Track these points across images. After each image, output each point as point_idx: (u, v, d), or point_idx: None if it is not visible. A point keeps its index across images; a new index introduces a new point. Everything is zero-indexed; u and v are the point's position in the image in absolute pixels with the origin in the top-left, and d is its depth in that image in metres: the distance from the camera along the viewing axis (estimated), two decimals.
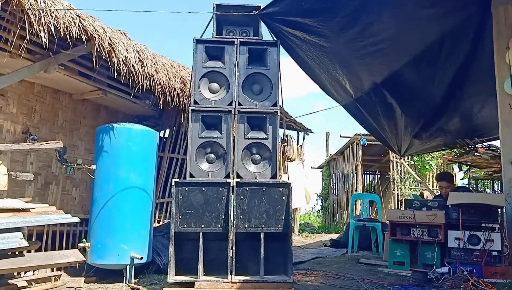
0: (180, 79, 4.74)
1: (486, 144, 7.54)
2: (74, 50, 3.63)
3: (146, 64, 4.10)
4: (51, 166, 4.15)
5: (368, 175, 14.90)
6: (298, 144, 11.35)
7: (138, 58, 4.03)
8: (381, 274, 4.49)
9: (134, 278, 4.01)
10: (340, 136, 11.13)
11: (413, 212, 4.64)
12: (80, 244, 3.99)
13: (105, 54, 3.65)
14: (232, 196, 3.62)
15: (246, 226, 3.62)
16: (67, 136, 4.48)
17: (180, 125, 5.55)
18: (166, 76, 4.44)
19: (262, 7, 3.95)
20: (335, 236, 9.92)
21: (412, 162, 10.50)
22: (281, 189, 3.67)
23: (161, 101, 4.54)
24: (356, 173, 10.79)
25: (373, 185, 14.93)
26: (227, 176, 3.78)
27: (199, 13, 3.78)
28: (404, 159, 9.47)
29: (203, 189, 3.64)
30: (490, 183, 8.37)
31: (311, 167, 15.33)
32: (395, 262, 4.74)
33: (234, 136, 3.84)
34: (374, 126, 7.47)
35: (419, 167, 10.55)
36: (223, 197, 3.63)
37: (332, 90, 6.35)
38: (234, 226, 3.59)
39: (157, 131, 4.73)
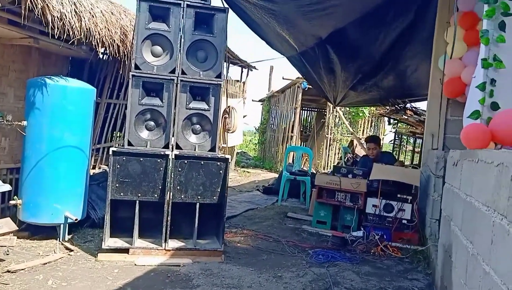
0: (120, 29, 4.45)
1: (413, 105, 8.09)
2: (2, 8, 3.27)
3: (84, 17, 3.80)
4: None
5: (305, 111, 15.38)
6: (241, 81, 11.32)
7: (75, 10, 3.71)
8: (305, 233, 4.94)
9: (68, 234, 4.07)
10: (283, 78, 11.22)
11: (340, 179, 5.02)
12: (11, 202, 3.92)
13: (38, 11, 3.33)
14: (170, 167, 3.69)
15: (182, 196, 3.75)
16: None
17: (118, 73, 5.32)
18: (105, 27, 4.16)
19: None
20: (268, 175, 10.44)
21: (348, 108, 10.97)
22: (219, 163, 3.79)
23: (100, 52, 4.30)
24: (294, 114, 11.10)
25: (309, 120, 15.50)
26: (166, 146, 3.81)
27: None
28: (339, 108, 9.88)
29: (141, 159, 3.66)
30: (412, 141, 9.07)
31: (252, 100, 15.49)
32: (318, 221, 5.20)
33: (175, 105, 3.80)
34: (314, 77, 7.68)
35: (354, 113, 11.07)
36: (161, 168, 3.70)
37: (278, 44, 6.35)
38: (171, 196, 3.70)
39: (93, 84, 4.54)
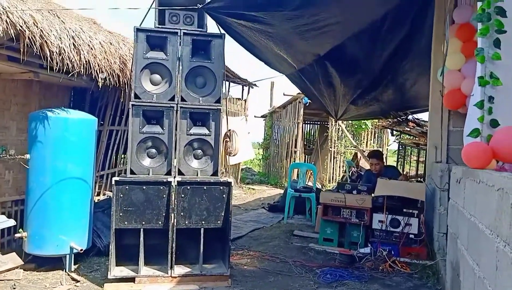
0: (119, 58, 4.51)
1: (415, 116, 8.08)
2: (2, 46, 3.33)
3: (82, 50, 3.85)
4: None
5: (308, 125, 15.38)
6: (242, 99, 11.38)
7: (73, 44, 3.76)
8: (312, 252, 4.90)
9: (74, 264, 4.06)
10: (284, 94, 11.28)
11: (344, 196, 4.99)
12: (17, 235, 3.93)
13: (37, 47, 3.38)
14: (173, 194, 3.69)
15: (186, 222, 3.75)
16: None
17: (119, 101, 5.38)
18: (104, 58, 4.21)
19: (207, 1, 3.79)
20: (273, 191, 10.42)
21: (350, 122, 10.97)
22: (222, 188, 3.79)
23: (100, 82, 4.35)
24: (297, 129, 11.10)
25: (312, 133, 15.49)
26: (169, 173, 3.82)
27: (140, 9, 3.56)
28: (341, 122, 9.88)
29: (144, 187, 3.67)
30: (416, 151, 9.05)
31: (255, 116, 15.53)
32: (325, 239, 5.17)
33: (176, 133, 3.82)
34: (314, 93, 7.70)
35: (356, 126, 11.07)
36: (164, 196, 3.70)
37: (276, 64, 6.39)
38: (175, 223, 3.70)
39: (95, 112, 4.58)
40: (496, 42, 2.39)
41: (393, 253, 4.59)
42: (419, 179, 8.05)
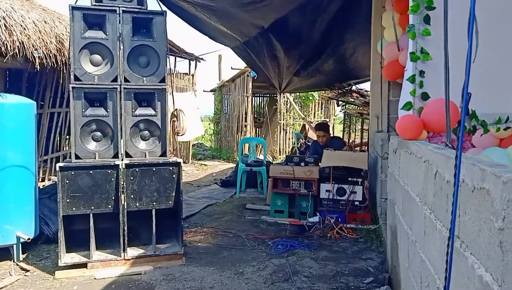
0: (56, 38, 4.29)
1: (359, 87, 8.36)
2: None
3: (14, 31, 3.63)
4: None
5: (257, 98, 15.45)
6: (189, 74, 11.21)
7: (5, 25, 3.54)
8: (264, 225, 5.05)
9: (22, 253, 3.95)
10: (232, 68, 11.22)
11: (293, 169, 5.15)
12: None
13: None
14: (122, 177, 3.65)
15: (137, 204, 3.73)
16: None
17: (59, 82, 5.15)
18: (39, 37, 4.00)
19: None
20: (226, 166, 10.49)
21: (298, 94, 11.15)
22: (171, 168, 3.79)
23: (37, 63, 4.14)
24: (246, 103, 11.14)
25: (261, 106, 15.59)
26: (116, 156, 3.76)
27: None
28: (289, 94, 10.03)
29: (91, 172, 3.60)
30: (361, 120, 9.40)
31: (204, 91, 15.37)
32: (276, 211, 5.34)
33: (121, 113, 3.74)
34: (260, 65, 7.78)
35: (304, 98, 11.27)
36: (112, 179, 3.65)
37: (221, 37, 6.35)
38: (126, 205, 3.68)
39: (33, 95, 4.38)
40: (426, 18, 2.52)
41: (340, 220, 4.84)
42: (362, 148, 8.41)
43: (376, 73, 5.06)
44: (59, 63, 4.47)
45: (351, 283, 3.33)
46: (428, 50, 2.58)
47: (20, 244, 3.87)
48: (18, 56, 3.97)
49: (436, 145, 1.90)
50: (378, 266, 3.68)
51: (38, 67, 4.26)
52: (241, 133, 11.21)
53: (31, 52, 3.98)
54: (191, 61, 11.11)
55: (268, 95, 15.01)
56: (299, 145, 8.30)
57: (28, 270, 3.67)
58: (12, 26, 3.62)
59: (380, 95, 4.99)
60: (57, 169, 3.52)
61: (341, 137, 9.32)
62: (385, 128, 5.02)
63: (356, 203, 4.93)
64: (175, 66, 9.81)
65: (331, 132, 7.73)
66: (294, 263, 3.76)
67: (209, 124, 15.41)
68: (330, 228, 4.68)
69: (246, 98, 11.03)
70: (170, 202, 3.81)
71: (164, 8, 4.08)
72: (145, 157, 3.81)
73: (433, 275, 1.59)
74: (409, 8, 2.62)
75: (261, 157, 7.98)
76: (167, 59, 3.91)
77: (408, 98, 2.64)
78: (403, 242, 2.49)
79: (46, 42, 4.09)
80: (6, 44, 3.55)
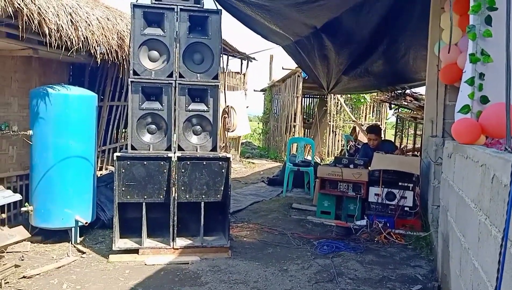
0: (117, 34, 4.51)
1: (413, 90, 8.11)
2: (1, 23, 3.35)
3: (80, 27, 3.87)
4: None
5: (307, 99, 15.37)
6: (241, 73, 11.35)
7: (71, 20, 3.77)
8: (310, 225, 5.04)
9: (80, 236, 4.20)
10: (283, 68, 11.24)
11: (341, 170, 5.09)
12: (23, 209, 4.06)
13: (35, 25, 3.40)
14: (174, 169, 3.79)
15: (187, 196, 3.86)
16: None
17: (118, 76, 5.41)
18: (102, 34, 4.22)
19: None
20: (272, 165, 10.54)
21: (349, 95, 10.98)
22: (221, 163, 3.88)
23: (98, 58, 4.38)
24: (296, 103, 11.12)
25: (311, 107, 15.49)
26: (169, 148, 3.91)
27: None
28: (340, 95, 9.90)
29: (145, 163, 3.76)
30: (414, 125, 9.10)
31: (254, 90, 15.50)
32: (322, 212, 5.30)
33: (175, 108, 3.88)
34: (309, 65, 7.72)
35: (355, 100, 11.08)
36: (165, 170, 3.80)
37: (273, 36, 6.39)
38: (176, 197, 3.81)
39: (94, 88, 4.62)
40: (488, 19, 2.43)
41: (388, 225, 4.73)
42: (415, 153, 8.14)
43: (432, 76, 4.90)
44: (120, 58, 4.70)
45: (398, 289, 3.26)
46: (489, 52, 2.48)
47: (78, 228, 4.13)
48: (82, 50, 4.21)
49: (494, 149, 1.83)
50: (427, 274, 3.57)
51: (99, 61, 4.49)
52: (290, 133, 11.20)
53: (94, 47, 4.20)
54: (242, 61, 11.25)
55: (318, 96, 14.90)
56: (348, 148, 8.19)
57: (84, 252, 3.90)
58: (77, 22, 3.85)
59: (436, 99, 4.82)
60: (115, 158, 3.71)
61: (393, 141, 9.08)
62: (440, 133, 4.85)
63: (406, 208, 4.80)
64: (227, 65, 9.98)
65: (382, 135, 7.55)
66: (339, 265, 3.73)
67: (258, 123, 15.52)
68: (378, 232, 4.59)
69: (295, 98, 11.01)
70: (218, 195, 3.91)
71: (220, 7, 4.18)
72: (196, 151, 3.93)
73: (485, 282, 1.53)
74: (470, 8, 2.53)
75: (309, 157, 7.95)
76: (221, 56, 4.01)
77: (466, 101, 2.55)
78: (455, 250, 2.41)
79: (108, 38, 4.32)
80: (72, 39, 3.78)
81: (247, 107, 10.77)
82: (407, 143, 10.12)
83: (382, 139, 6.58)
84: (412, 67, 6.96)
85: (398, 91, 7.65)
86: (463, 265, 2.08)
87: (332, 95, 10.55)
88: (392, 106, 9.15)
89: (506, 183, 1.29)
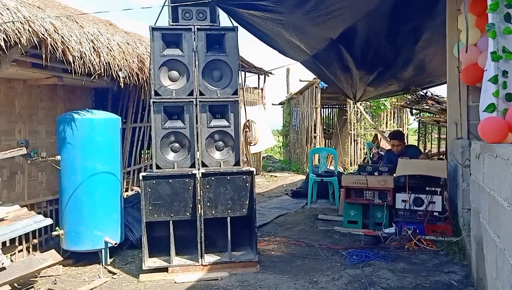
0: (137, 57, 4.64)
1: (434, 92, 7.99)
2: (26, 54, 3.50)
3: (102, 52, 3.99)
4: (14, 157, 4.14)
5: (326, 109, 15.34)
6: (259, 88, 11.44)
7: (93, 47, 3.90)
8: (337, 235, 4.98)
9: (110, 257, 4.26)
10: (300, 80, 11.28)
11: (366, 178, 5.04)
12: (54, 233, 4.15)
13: (59, 53, 3.53)
14: (198, 185, 3.82)
15: (213, 212, 3.88)
16: (27, 123, 4.39)
17: (140, 98, 5.54)
18: (123, 58, 4.34)
19: None
20: (295, 178, 10.50)
21: (368, 103, 10.91)
22: (244, 177, 3.90)
23: (121, 82, 4.50)
24: (315, 114, 11.11)
25: (330, 117, 15.44)
26: (193, 165, 3.95)
27: (153, 7, 3.66)
28: (360, 103, 9.83)
29: (170, 181, 3.81)
30: (437, 129, 8.96)
31: (272, 104, 15.56)
32: (349, 221, 5.24)
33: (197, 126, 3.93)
34: (331, 77, 7.70)
35: (375, 107, 11.00)
36: (190, 187, 3.84)
37: (290, 51, 6.42)
38: (202, 213, 3.84)
39: (117, 111, 4.73)
40: (507, 16, 2.40)
41: (418, 231, 4.63)
42: (440, 156, 7.99)
43: (453, 78, 4.83)
44: (140, 81, 4.81)
45: None
46: (511, 49, 2.45)
47: (107, 249, 4.19)
48: (104, 75, 4.34)
49: None
50: (462, 280, 3.47)
51: (122, 85, 4.60)
52: (311, 144, 11.17)
53: (116, 71, 4.32)
54: (260, 76, 11.35)
55: (337, 106, 14.86)
56: (371, 155, 8.10)
57: (115, 273, 3.95)
58: (99, 48, 3.98)
59: (459, 101, 4.76)
60: (140, 178, 3.78)
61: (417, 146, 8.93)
62: (465, 135, 4.76)
63: (435, 213, 4.69)
64: (244, 81, 10.08)
65: (405, 141, 7.44)
66: (370, 274, 3.67)
67: (278, 136, 15.54)
68: (408, 239, 4.50)
69: (314, 109, 11.01)
70: (244, 210, 3.92)
71: (235, 24, 4.25)
72: (220, 166, 3.96)
73: None
74: (488, 7, 2.51)
75: (332, 167, 7.89)
76: (239, 72, 4.06)
77: (491, 99, 2.52)
78: (490, 252, 2.35)
79: (129, 62, 4.44)
80: (95, 64, 3.90)
81: (267, 121, 10.81)
82: (431, 147, 9.95)
83: (406, 144, 6.49)
84: (440, 69, 6.84)
85: (419, 93, 7.54)
86: (500, 267, 2.03)
87: (354, 104, 10.48)
88: (414, 111, 9.04)
89: None
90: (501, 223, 1.97)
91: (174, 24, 3.97)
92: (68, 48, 3.57)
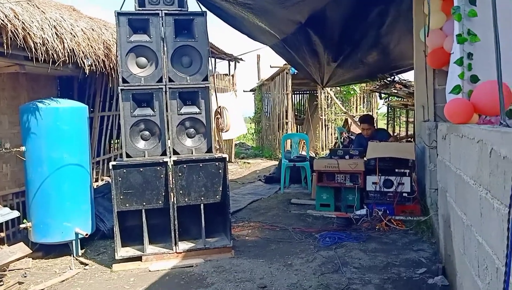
0: (103, 44, 4.49)
1: (402, 77, 8.15)
2: None
3: (65, 39, 3.84)
4: None
5: (298, 95, 15.42)
6: (229, 75, 11.35)
7: (56, 33, 3.75)
8: (310, 218, 5.05)
9: (81, 249, 4.17)
10: (271, 66, 11.26)
11: (337, 162, 5.11)
12: (22, 225, 4.01)
13: (20, 40, 3.37)
14: (170, 173, 3.78)
15: (186, 199, 3.85)
16: None
17: (107, 86, 5.39)
18: (88, 44, 4.20)
19: None
20: (268, 164, 10.55)
21: (338, 88, 11.02)
22: (217, 164, 3.88)
23: (86, 69, 4.36)
24: (286, 100, 11.14)
25: (302, 103, 15.54)
26: (164, 153, 3.89)
27: None
28: (330, 88, 9.93)
29: (141, 169, 3.75)
30: (405, 112, 9.17)
31: (244, 91, 15.51)
32: (321, 205, 5.32)
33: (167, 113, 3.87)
34: (299, 62, 7.72)
35: (345, 92, 11.13)
36: (162, 176, 3.79)
37: (259, 35, 6.38)
38: (175, 201, 3.80)
39: (84, 100, 4.60)
40: None
41: (388, 212, 4.75)
42: (408, 139, 8.19)
43: (420, 62, 4.93)
44: (107, 68, 4.68)
45: (403, 274, 3.27)
46: (475, 32, 2.50)
47: (78, 240, 4.09)
48: (69, 63, 4.19)
49: (489, 125, 1.84)
50: (430, 257, 3.59)
51: (87, 72, 4.46)
52: (282, 130, 11.22)
53: (81, 58, 4.18)
54: (230, 62, 11.26)
55: (308, 92, 14.95)
56: (342, 140, 8.22)
57: (87, 264, 3.88)
58: (62, 34, 3.83)
59: (426, 84, 4.86)
60: (110, 167, 3.69)
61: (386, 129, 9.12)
62: (431, 117, 4.88)
63: (404, 194, 4.83)
64: (215, 67, 9.98)
65: (375, 125, 7.57)
66: (343, 255, 3.74)
67: (250, 123, 15.54)
68: (378, 220, 4.61)
69: (286, 95, 11.04)
70: (217, 196, 3.90)
71: (204, 8, 4.18)
72: (192, 153, 3.92)
73: (491, 256, 1.55)
74: None
75: (304, 153, 7.96)
76: (209, 58, 4.00)
77: (456, 81, 2.58)
78: (457, 229, 2.43)
79: (95, 48, 4.30)
80: (58, 51, 3.76)
81: (239, 108, 10.77)
82: (399, 130, 10.18)
83: (376, 128, 6.61)
84: (406, 54, 6.97)
85: (388, 79, 7.68)
86: (467, 243, 2.10)
87: (322, 89, 10.57)
88: (382, 95, 9.21)
89: (505, 155, 1.30)
90: (468, 200, 2.04)
91: (140, 8, 3.85)
92: (29, 34, 3.42)
